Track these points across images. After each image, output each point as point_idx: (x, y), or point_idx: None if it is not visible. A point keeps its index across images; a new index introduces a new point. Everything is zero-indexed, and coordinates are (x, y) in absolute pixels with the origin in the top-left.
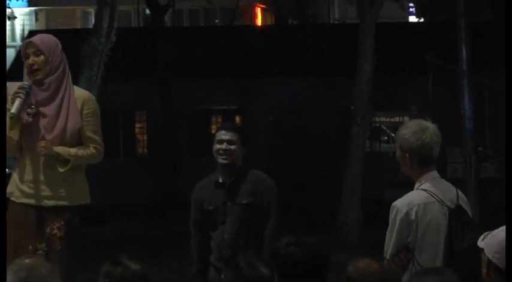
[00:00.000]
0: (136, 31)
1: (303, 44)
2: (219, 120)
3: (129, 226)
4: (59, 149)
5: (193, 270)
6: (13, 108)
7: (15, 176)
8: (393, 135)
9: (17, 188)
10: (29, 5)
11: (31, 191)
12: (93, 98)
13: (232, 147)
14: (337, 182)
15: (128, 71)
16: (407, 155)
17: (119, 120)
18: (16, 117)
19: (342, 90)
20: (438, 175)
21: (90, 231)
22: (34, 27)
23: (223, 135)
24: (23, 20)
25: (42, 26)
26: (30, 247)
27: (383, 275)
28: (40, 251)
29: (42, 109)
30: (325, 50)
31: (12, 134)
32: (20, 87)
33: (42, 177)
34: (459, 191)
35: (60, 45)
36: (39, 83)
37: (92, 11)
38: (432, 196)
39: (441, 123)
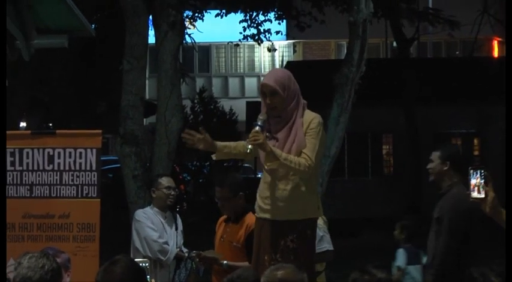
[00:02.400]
0: (384, 61)
1: None
2: (459, 143)
3: (377, 237)
4: (272, 147)
5: None
6: (250, 146)
7: (257, 194)
8: None
9: (257, 204)
10: (288, 38)
11: (267, 207)
12: (318, 119)
13: (431, 165)
14: None
15: (376, 97)
16: None
17: (367, 142)
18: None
19: None
20: None
21: (345, 242)
22: (292, 58)
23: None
24: (282, 51)
25: (299, 57)
26: (266, 257)
27: None
28: (274, 262)
29: (275, 135)
30: None
31: (249, 156)
32: (258, 126)
33: (275, 194)
34: None
35: (292, 78)
36: (276, 116)
37: (344, 43)
38: None
39: None
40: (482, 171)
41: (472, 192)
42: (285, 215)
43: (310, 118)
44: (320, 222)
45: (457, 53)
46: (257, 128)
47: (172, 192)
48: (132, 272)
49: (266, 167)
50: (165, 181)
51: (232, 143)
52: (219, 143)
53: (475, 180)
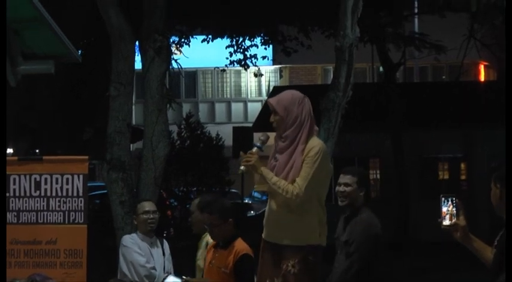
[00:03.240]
0: (371, 86)
1: None
2: (446, 167)
3: None
4: (263, 169)
5: None
6: (242, 167)
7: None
8: None
9: (264, 227)
10: (274, 63)
11: (271, 230)
12: (318, 147)
13: (348, 189)
14: None
15: (363, 122)
16: None
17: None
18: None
19: None
20: None
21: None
22: (278, 83)
23: (341, 178)
24: (269, 76)
25: (286, 82)
26: (267, 280)
27: None
28: None
29: (278, 156)
30: None
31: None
32: (256, 147)
33: (276, 218)
34: None
35: (298, 101)
36: (279, 135)
37: (330, 68)
38: None
39: None
40: (454, 199)
41: (443, 220)
42: (285, 239)
43: (312, 145)
44: None
45: (444, 77)
46: (254, 149)
47: (151, 216)
48: None
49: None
50: (143, 206)
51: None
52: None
53: (447, 208)
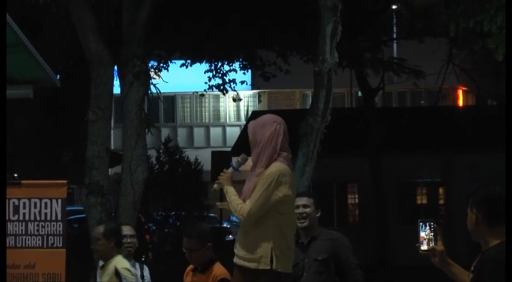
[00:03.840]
0: (349, 111)
1: (502, 122)
2: (424, 191)
3: None
4: (229, 188)
5: None
6: (215, 185)
7: None
8: None
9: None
10: (253, 88)
11: (236, 250)
12: (272, 169)
13: (307, 210)
14: None
15: (341, 147)
16: None
17: (333, 192)
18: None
19: None
20: None
21: None
22: (257, 108)
23: (298, 200)
24: (248, 101)
25: (264, 107)
26: None
27: None
28: None
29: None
30: None
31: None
32: (231, 167)
33: (238, 239)
34: None
35: (264, 124)
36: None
37: (309, 93)
38: None
39: None
40: (432, 224)
41: (421, 245)
42: (241, 261)
43: (270, 170)
44: None
45: (422, 102)
46: (230, 169)
47: (129, 240)
48: None
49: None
50: (121, 230)
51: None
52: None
53: (425, 233)
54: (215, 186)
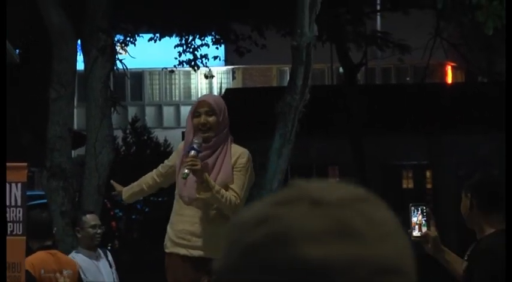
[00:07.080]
0: (330, 88)
1: (493, 100)
2: (410, 175)
3: None
4: (207, 176)
5: None
6: (187, 170)
7: (169, 227)
8: None
9: (168, 238)
10: (226, 64)
11: (183, 242)
12: (247, 154)
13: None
14: None
15: (321, 127)
16: None
17: (312, 175)
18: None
19: None
20: None
21: None
22: (231, 85)
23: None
24: (221, 78)
25: (238, 84)
26: None
27: None
28: None
29: (203, 161)
30: None
31: (164, 183)
32: (194, 150)
33: (193, 228)
34: None
35: (226, 109)
36: (206, 140)
37: (287, 69)
38: None
39: None
40: (424, 208)
41: (412, 231)
42: (204, 251)
43: (239, 152)
44: None
45: (408, 79)
46: (192, 152)
47: (99, 231)
48: None
49: (199, 195)
50: (89, 219)
51: (135, 183)
52: (124, 189)
53: (416, 218)
54: (186, 171)
